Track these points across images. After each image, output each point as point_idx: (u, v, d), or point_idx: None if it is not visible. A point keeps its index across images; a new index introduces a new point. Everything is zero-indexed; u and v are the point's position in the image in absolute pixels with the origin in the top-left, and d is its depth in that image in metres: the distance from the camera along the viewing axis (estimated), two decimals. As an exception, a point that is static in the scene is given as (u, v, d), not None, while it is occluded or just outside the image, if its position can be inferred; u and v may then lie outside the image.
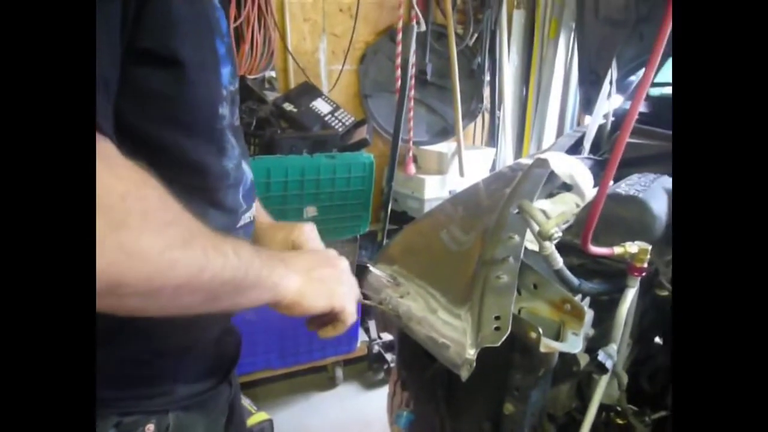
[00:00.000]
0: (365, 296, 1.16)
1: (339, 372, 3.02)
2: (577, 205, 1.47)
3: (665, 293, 1.19)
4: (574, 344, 0.98)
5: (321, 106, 2.88)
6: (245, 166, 0.88)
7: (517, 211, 1.15)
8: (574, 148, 1.94)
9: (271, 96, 2.96)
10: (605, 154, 1.95)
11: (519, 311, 1.06)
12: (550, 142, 3.57)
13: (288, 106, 2.80)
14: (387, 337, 3.00)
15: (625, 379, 1.19)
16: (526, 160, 1.74)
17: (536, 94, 3.98)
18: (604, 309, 1.16)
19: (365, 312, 3.03)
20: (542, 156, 1.61)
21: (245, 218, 0.90)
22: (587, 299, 1.14)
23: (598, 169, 1.68)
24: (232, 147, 0.82)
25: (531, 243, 1.17)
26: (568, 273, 1.07)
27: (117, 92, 0.62)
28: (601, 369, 1.05)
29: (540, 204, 1.45)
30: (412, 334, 1.07)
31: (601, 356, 1.05)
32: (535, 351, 0.96)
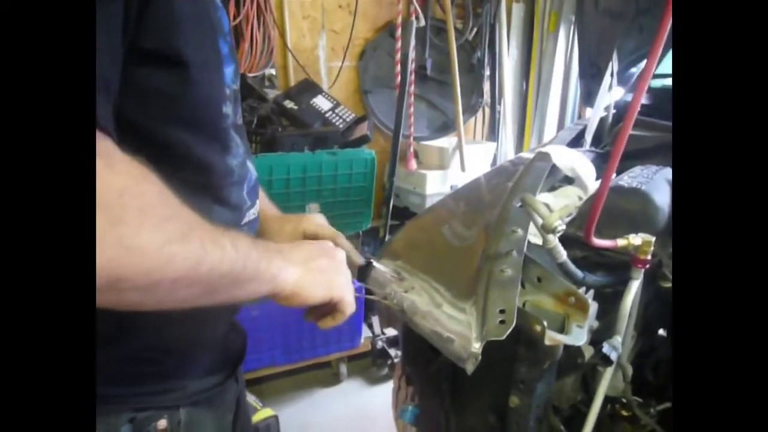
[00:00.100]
0: (369, 291, 1.16)
1: (343, 368, 3.03)
2: (580, 198, 1.47)
3: (669, 285, 1.19)
4: (578, 337, 0.98)
5: (321, 103, 2.88)
6: (249, 164, 0.89)
7: (519, 204, 1.15)
8: (576, 141, 1.94)
9: (271, 94, 2.96)
10: (607, 146, 1.95)
11: (523, 304, 1.06)
12: (550, 136, 3.57)
13: (288, 104, 2.80)
14: (391, 332, 3.00)
15: (629, 371, 1.20)
16: (527, 154, 1.74)
17: (536, 88, 3.98)
18: (608, 301, 1.16)
19: (369, 308, 3.03)
20: (544, 149, 1.61)
21: (250, 215, 0.90)
22: (591, 292, 1.15)
23: (600, 162, 1.68)
24: (236, 145, 0.82)
25: (534, 236, 1.17)
26: (571, 266, 1.07)
27: (121, 92, 0.62)
28: (606, 361, 1.06)
29: (542, 197, 1.45)
30: (416, 329, 1.07)
31: (605, 348, 1.05)
32: (540, 344, 0.96)
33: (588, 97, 2.20)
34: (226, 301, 0.70)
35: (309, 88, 2.97)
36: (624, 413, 1.28)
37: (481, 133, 4.05)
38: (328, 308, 0.86)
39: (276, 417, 2.32)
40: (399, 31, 3.23)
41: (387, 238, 3.04)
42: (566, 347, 0.99)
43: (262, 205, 1.04)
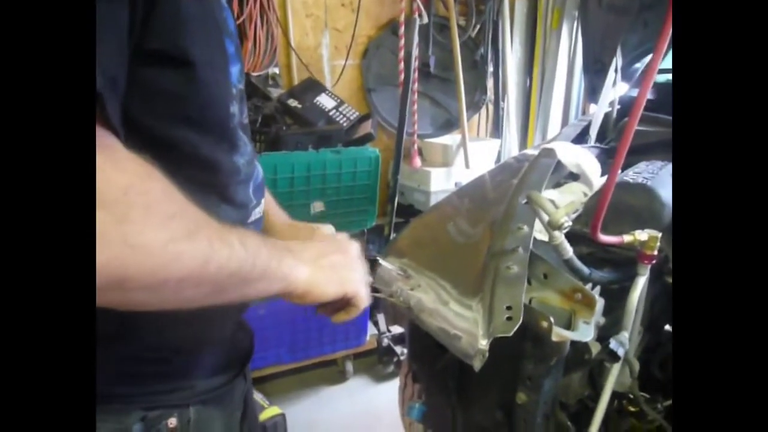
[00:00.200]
0: (376, 289, 1.16)
1: (349, 365, 3.03)
2: (585, 195, 1.47)
3: (675, 280, 1.19)
4: (585, 333, 0.98)
5: (325, 101, 2.88)
6: (256, 163, 0.89)
7: (525, 201, 1.15)
8: (580, 137, 1.94)
9: (275, 93, 2.97)
10: (611, 142, 1.95)
11: (530, 301, 1.06)
12: (554, 132, 3.57)
13: (292, 103, 2.81)
14: (396, 329, 3.01)
15: (636, 366, 1.20)
16: (531, 151, 1.73)
17: (540, 84, 3.98)
18: (615, 297, 1.16)
19: (375, 305, 3.04)
20: (548, 146, 1.60)
21: (256, 213, 0.90)
22: (598, 288, 1.15)
23: (605, 158, 1.68)
24: (244, 144, 0.83)
25: (540, 233, 1.17)
26: (578, 262, 1.07)
27: (128, 92, 0.62)
28: (613, 357, 1.06)
29: (548, 194, 1.45)
30: (423, 326, 1.07)
31: (612, 344, 1.05)
32: (547, 340, 0.96)
33: (592, 92, 2.20)
34: (235, 300, 0.69)
35: (312, 86, 2.98)
36: (631, 409, 1.28)
37: (484, 130, 4.05)
38: (342, 303, 0.86)
39: (283, 415, 2.32)
40: (402, 29, 3.23)
41: (392, 235, 3.04)
42: (573, 343, 0.99)
43: (273, 211, 1.05)
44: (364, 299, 0.87)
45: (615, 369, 1.13)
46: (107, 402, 0.72)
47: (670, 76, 2.22)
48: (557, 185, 1.56)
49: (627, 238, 1.07)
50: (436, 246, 1.34)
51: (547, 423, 1.15)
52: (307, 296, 0.77)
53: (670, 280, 1.21)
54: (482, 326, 0.96)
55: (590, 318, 1.01)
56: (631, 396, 1.25)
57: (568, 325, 1.02)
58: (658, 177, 1.30)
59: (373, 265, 1.14)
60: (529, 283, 1.06)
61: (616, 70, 1.99)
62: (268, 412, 2.30)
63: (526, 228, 1.15)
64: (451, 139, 3.59)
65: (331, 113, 2.85)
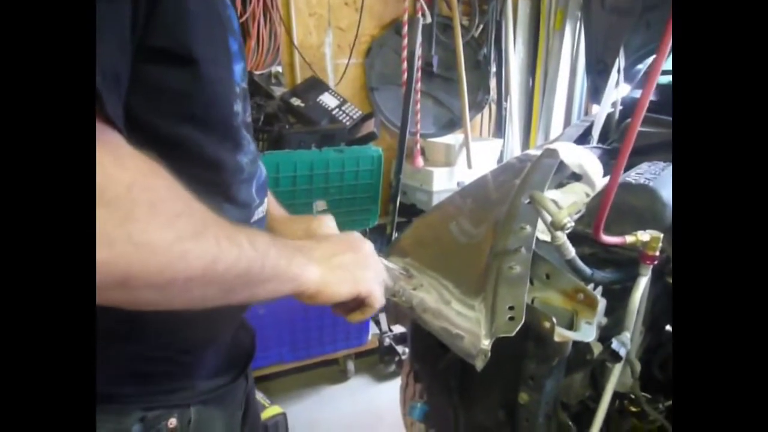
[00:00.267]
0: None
1: (350, 365, 3.03)
2: (587, 195, 1.47)
3: (677, 281, 1.19)
4: (587, 333, 0.98)
5: (328, 100, 2.88)
6: (260, 162, 0.89)
7: (528, 201, 1.15)
8: (583, 138, 1.94)
9: (278, 91, 2.97)
10: (614, 143, 1.95)
11: (532, 301, 1.06)
12: (557, 133, 3.57)
13: (295, 101, 2.81)
14: (398, 329, 3.00)
15: (638, 367, 1.20)
16: (534, 151, 1.74)
17: (543, 85, 3.98)
18: (617, 297, 1.16)
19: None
20: (551, 146, 1.61)
21: (258, 213, 0.90)
22: (599, 288, 1.15)
23: (607, 159, 1.68)
24: (248, 142, 0.82)
25: (542, 233, 1.17)
26: (580, 262, 1.08)
27: (131, 89, 0.61)
28: (615, 357, 1.06)
29: (550, 194, 1.45)
30: (425, 326, 1.07)
31: (614, 344, 1.05)
32: (549, 340, 0.96)
33: (595, 93, 2.20)
34: (245, 301, 0.68)
35: (315, 85, 2.98)
36: (632, 409, 1.28)
37: (487, 129, 4.05)
38: (356, 303, 0.84)
39: (284, 414, 2.33)
40: (405, 28, 3.23)
41: (394, 235, 3.04)
42: (575, 343, 0.99)
43: (270, 206, 1.03)
44: (378, 298, 0.85)
45: (616, 369, 1.14)
46: (107, 402, 0.71)
47: (671, 78, 2.22)
48: (560, 185, 1.57)
49: (629, 238, 1.07)
50: (439, 245, 1.34)
51: (549, 423, 1.15)
52: (319, 296, 0.75)
53: (671, 280, 1.21)
54: (485, 326, 0.96)
55: (592, 318, 1.01)
56: (633, 396, 1.25)
57: (570, 326, 1.02)
58: (660, 178, 1.30)
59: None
60: (531, 283, 1.06)
61: (618, 71, 2.00)
62: (269, 411, 2.30)
63: (528, 228, 1.15)
64: (453, 138, 3.59)
65: (334, 112, 2.85)
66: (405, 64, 3.17)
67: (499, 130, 3.98)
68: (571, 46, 3.85)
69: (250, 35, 2.88)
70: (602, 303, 1.04)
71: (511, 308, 0.95)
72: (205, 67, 0.69)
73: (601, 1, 2.08)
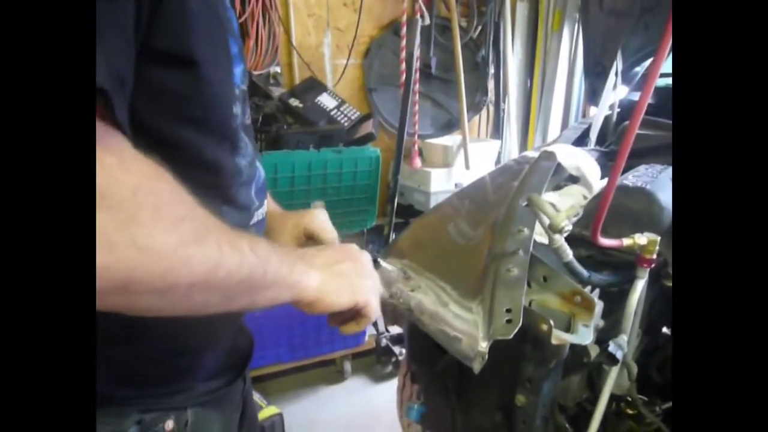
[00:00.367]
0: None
1: (347, 365, 3.03)
2: (585, 197, 1.47)
3: (674, 284, 1.19)
4: (584, 336, 0.99)
5: (326, 100, 2.88)
6: (258, 164, 0.89)
7: (526, 204, 1.15)
8: (580, 140, 1.94)
9: (276, 91, 2.97)
10: (611, 145, 1.95)
11: (530, 304, 1.06)
12: (555, 134, 3.58)
13: (294, 102, 2.81)
14: (395, 330, 3.01)
15: (635, 369, 1.20)
16: (532, 153, 1.74)
17: (541, 86, 3.99)
18: (614, 300, 1.17)
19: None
20: (549, 148, 1.61)
21: (258, 215, 0.89)
22: (597, 291, 1.15)
23: (605, 161, 1.69)
24: (246, 145, 0.82)
25: (540, 235, 1.18)
26: (577, 265, 1.08)
27: (133, 91, 0.61)
28: (612, 360, 1.06)
29: (548, 197, 1.45)
30: (423, 328, 1.07)
31: (611, 347, 1.06)
32: (547, 343, 0.96)
33: (593, 95, 2.21)
34: (245, 307, 0.68)
35: (314, 86, 2.98)
36: (629, 411, 1.28)
37: (485, 131, 4.06)
38: (352, 313, 0.83)
39: (281, 415, 2.33)
40: (404, 30, 3.24)
41: (392, 235, 3.05)
42: (572, 346, 1.00)
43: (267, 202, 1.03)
44: (375, 309, 0.84)
45: (613, 372, 1.14)
46: (104, 404, 0.70)
47: (669, 80, 2.22)
48: (557, 188, 1.57)
49: (626, 241, 1.07)
50: (437, 247, 1.34)
51: (546, 425, 1.15)
52: (318, 304, 0.75)
53: (668, 283, 1.22)
54: (482, 328, 0.96)
55: (589, 321, 1.01)
56: (630, 399, 1.25)
57: (568, 328, 1.02)
58: (658, 181, 1.30)
59: (373, 264, 1.14)
60: (528, 285, 1.06)
61: (616, 73, 2.00)
62: (266, 411, 2.30)
63: (526, 231, 1.15)
64: (451, 139, 3.60)
65: (332, 113, 2.85)
66: (403, 65, 3.18)
67: (497, 131, 3.99)
68: (569, 48, 3.86)
69: (248, 35, 2.89)
70: (599, 306, 1.04)
71: (508, 311, 0.95)
72: (205, 69, 0.68)
73: (599, 3, 2.09)
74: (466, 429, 1.30)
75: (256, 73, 2.97)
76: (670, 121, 1.78)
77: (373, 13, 3.41)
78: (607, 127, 2.03)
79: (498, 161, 3.68)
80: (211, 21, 0.71)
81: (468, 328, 0.98)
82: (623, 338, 1.11)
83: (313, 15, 3.26)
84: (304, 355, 2.86)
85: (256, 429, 1.16)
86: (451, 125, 3.74)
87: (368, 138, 2.80)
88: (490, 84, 3.84)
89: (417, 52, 3.08)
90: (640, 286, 1.13)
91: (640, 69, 2.12)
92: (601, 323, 1.12)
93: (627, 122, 1.44)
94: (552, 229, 1.01)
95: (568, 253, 1.06)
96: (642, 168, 1.43)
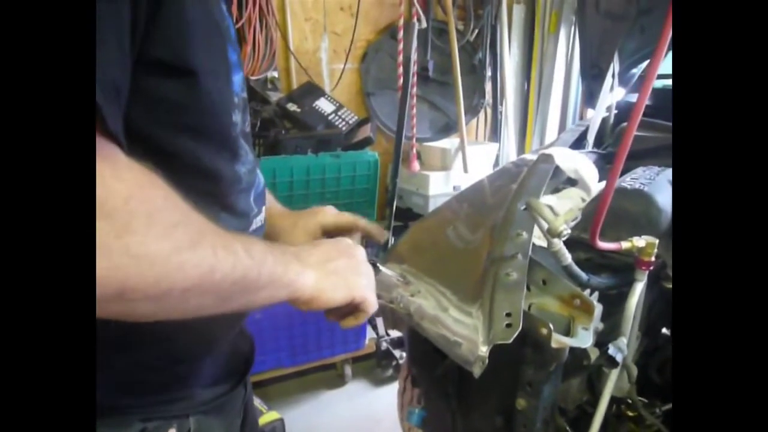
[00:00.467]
0: (378, 295, 1.16)
1: (348, 369, 3.03)
2: (583, 200, 1.47)
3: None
4: (584, 339, 0.99)
5: (324, 105, 2.89)
6: (258, 171, 0.89)
7: (524, 207, 1.16)
8: (578, 143, 1.94)
9: (274, 96, 2.98)
10: (609, 147, 1.96)
11: (529, 307, 1.06)
12: (552, 137, 3.58)
13: (291, 107, 2.81)
14: (395, 334, 3.01)
15: (635, 371, 1.20)
16: (530, 156, 1.74)
17: (538, 89, 3.99)
18: (613, 303, 1.17)
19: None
20: (547, 151, 1.61)
21: (257, 222, 0.89)
22: (596, 294, 1.15)
23: (602, 163, 1.69)
24: (245, 152, 0.82)
25: (538, 239, 1.18)
26: (576, 268, 1.08)
27: (130, 100, 0.61)
28: (612, 362, 1.06)
29: (546, 200, 1.45)
30: (423, 332, 1.07)
31: (611, 350, 1.06)
32: (546, 346, 0.96)
33: (590, 97, 2.21)
34: (241, 308, 0.68)
35: (311, 90, 2.98)
36: (629, 413, 1.28)
37: (483, 133, 4.06)
38: (350, 308, 0.84)
39: (281, 420, 2.33)
40: (401, 33, 3.24)
41: (390, 239, 3.05)
42: (572, 349, 1.00)
43: (269, 203, 1.03)
44: (372, 304, 0.85)
45: (613, 374, 1.14)
46: (106, 414, 0.71)
47: (666, 82, 2.23)
48: (555, 190, 1.57)
49: (625, 244, 1.08)
50: (436, 251, 1.34)
51: (547, 428, 1.15)
52: (314, 302, 0.76)
53: (667, 285, 1.22)
54: (482, 333, 0.96)
55: (589, 324, 1.02)
56: (630, 401, 1.25)
57: (567, 331, 1.03)
58: (655, 183, 1.30)
59: (373, 270, 1.15)
60: (528, 289, 1.06)
61: (613, 76, 2.00)
62: (267, 416, 2.30)
63: (525, 234, 1.15)
64: (449, 142, 3.60)
65: (330, 117, 2.86)
66: (401, 69, 3.18)
67: (495, 134, 3.99)
68: (566, 50, 3.87)
69: (246, 41, 2.89)
70: (599, 308, 1.04)
71: (508, 315, 0.95)
72: (203, 79, 0.68)
73: (595, 5, 2.09)
74: (467, 433, 1.31)
75: (253, 78, 2.98)
76: (667, 123, 1.79)
77: (369, 17, 3.41)
78: (605, 130, 2.03)
79: (496, 164, 3.68)
80: (209, 30, 0.70)
81: (468, 332, 0.98)
82: (623, 341, 1.11)
83: (310, 19, 3.26)
84: (304, 359, 2.86)
85: (257, 435, 1.16)
86: (448, 128, 3.75)
87: (366, 142, 2.80)
88: (488, 87, 3.85)
89: (414, 56, 3.09)
90: (639, 288, 1.13)
91: (636, 71, 2.13)
92: (601, 326, 1.12)
93: (624, 124, 1.44)
94: (550, 233, 1.01)
95: (567, 257, 1.06)
96: (639, 170, 1.43)
